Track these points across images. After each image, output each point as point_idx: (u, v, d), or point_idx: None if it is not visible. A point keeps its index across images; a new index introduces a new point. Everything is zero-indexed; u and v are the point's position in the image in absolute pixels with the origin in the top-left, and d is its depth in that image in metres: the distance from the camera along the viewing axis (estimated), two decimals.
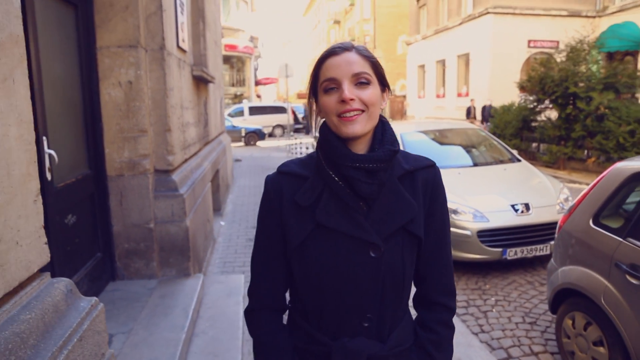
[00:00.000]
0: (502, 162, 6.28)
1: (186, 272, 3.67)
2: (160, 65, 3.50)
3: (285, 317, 1.29)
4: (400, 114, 31.83)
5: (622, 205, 2.85)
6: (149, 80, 3.47)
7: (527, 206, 4.91)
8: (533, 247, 4.78)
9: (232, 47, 28.06)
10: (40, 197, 1.44)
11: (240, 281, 4.11)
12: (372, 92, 1.11)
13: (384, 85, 1.18)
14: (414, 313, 1.32)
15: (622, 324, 2.60)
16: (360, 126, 1.10)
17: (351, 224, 1.12)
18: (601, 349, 2.81)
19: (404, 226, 1.16)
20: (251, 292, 1.26)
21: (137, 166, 3.41)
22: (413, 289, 1.30)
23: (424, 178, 1.22)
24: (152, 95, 3.50)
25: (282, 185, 1.18)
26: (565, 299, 3.17)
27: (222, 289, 3.90)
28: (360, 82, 1.10)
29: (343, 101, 1.08)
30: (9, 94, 1.28)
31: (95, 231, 3.32)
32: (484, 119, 18.11)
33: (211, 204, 5.38)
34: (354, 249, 1.12)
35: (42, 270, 1.47)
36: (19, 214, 1.31)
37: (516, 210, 4.87)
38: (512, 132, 13.85)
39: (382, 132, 1.18)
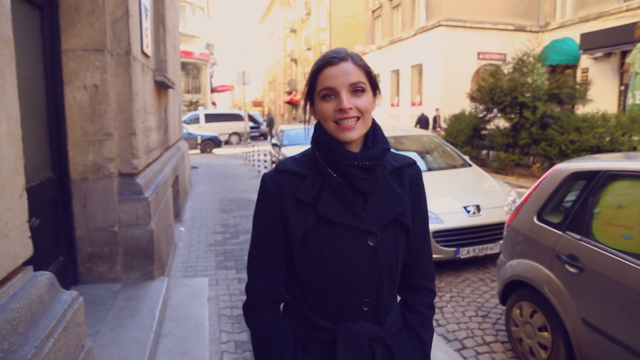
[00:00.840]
0: (454, 167, 6.60)
1: (150, 275, 3.69)
2: (126, 69, 3.53)
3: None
4: (419, 125, 32.31)
5: (562, 202, 3.12)
6: (115, 84, 3.50)
7: (478, 208, 5.20)
8: (484, 246, 5.07)
9: (187, 54, 27.77)
10: (25, 192, 1.49)
11: (204, 284, 4.15)
12: (366, 99, 1.21)
13: (375, 90, 1.28)
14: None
15: (563, 310, 2.85)
16: (358, 132, 1.21)
17: (350, 215, 1.22)
18: (545, 334, 3.06)
19: (396, 217, 1.27)
20: (250, 287, 1.32)
21: (101, 169, 3.42)
22: None
23: (409, 174, 1.34)
24: (118, 99, 3.52)
25: (282, 183, 1.26)
26: (513, 291, 3.41)
27: (186, 292, 3.93)
28: (356, 90, 1.19)
29: (341, 110, 1.17)
30: (3, 90, 1.34)
31: (57, 235, 3.29)
32: (435, 127, 18.86)
33: (172, 209, 5.39)
34: (354, 238, 1.22)
35: (25, 264, 1.52)
36: (7, 208, 1.37)
37: (468, 212, 5.15)
38: (464, 140, 14.43)
39: (374, 132, 1.28)
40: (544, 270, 3.04)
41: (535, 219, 3.23)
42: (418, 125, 19.04)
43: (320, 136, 1.25)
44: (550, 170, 3.29)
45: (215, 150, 21.22)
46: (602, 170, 2.83)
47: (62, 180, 3.32)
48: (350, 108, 1.17)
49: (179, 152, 7.41)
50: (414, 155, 6.99)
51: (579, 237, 2.81)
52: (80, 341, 1.64)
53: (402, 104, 24.92)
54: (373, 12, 27.31)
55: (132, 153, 3.63)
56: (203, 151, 20.61)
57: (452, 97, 19.53)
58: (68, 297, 1.63)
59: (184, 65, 28.17)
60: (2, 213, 1.34)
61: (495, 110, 12.78)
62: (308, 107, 1.30)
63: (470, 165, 6.64)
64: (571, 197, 3.03)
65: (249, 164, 15.69)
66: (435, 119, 19.17)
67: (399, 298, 1.43)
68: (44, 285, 1.53)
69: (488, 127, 13.91)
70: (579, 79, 18.00)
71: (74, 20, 3.29)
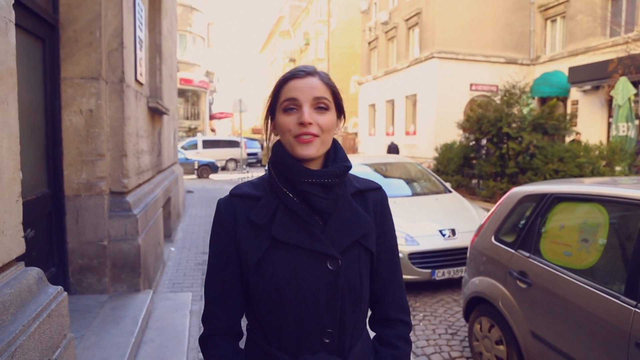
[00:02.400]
0: (435, 193, 6.88)
1: (136, 288, 3.92)
2: (119, 96, 3.85)
3: (242, 342, 1.30)
4: (352, 150, 32.80)
5: (515, 223, 3.38)
6: (109, 109, 3.80)
7: (453, 231, 5.45)
8: (459, 268, 5.30)
9: (187, 81, 28.40)
10: (20, 198, 1.76)
11: (188, 298, 4.37)
12: (329, 118, 1.16)
13: (340, 112, 1.24)
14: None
15: (515, 323, 3.08)
16: (315, 150, 1.14)
17: (308, 237, 1.15)
18: (501, 347, 3.27)
19: (359, 240, 1.20)
20: (206, 317, 1.24)
21: (93, 187, 3.69)
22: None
23: (374, 199, 1.28)
24: (111, 123, 3.82)
25: (236, 207, 1.20)
26: (475, 307, 3.64)
27: (170, 305, 4.15)
28: (319, 106, 1.15)
29: (301, 124, 1.12)
30: (4, 114, 1.62)
31: (50, 247, 3.54)
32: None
33: (162, 228, 5.63)
34: (312, 263, 1.14)
35: (18, 259, 1.78)
36: (5, 210, 1.64)
37: (444, 235, 5.41)
38: (454, 169, 14.76)
39: (334, 151, 1.24)
40: (499, 287, 3.28)
41: (493, 239, 3.49)
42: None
43: (277, 153, 1.19)
44: (506, 194, 3.57)
45: (212, 176, 21.51)
46: (548, 193, 3.11)
47: (56, 196, 3.59)
48: (311, 123, 1.13)
49: (172, 175, 7.69)
50: (398, 182, 7.29)
51: (528, 254, 3.07)
52: (63, 330, 1.88)
53: (397, 133, 25.36)
54: (369, 43, 28.06)
55: (123, 173, 3.91)
56: (200, 176, 20.90)
57: (445, 127, 19.93)
58: (54, 290, 1.88)
59: (183, 92, 28.79)
60: (1, 214, 1.61)
61: (484, 141, 13.15)
62: (269, 122, 1.25)
63: (450, 192, 6.92)
64: (524, 217, 3.29)
65: None
66: (391, 151, 19.47)
67: (372, 333, 1.35)
68: (33, 278, 1.78)
69: (478, 156, 14.26)
70: (569, 110, 18.49)
71: (72, 50, 3.62)
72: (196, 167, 20.79)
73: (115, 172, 3.88)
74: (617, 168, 10.47)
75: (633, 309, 2.26)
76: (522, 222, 3.28)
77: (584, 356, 2.51)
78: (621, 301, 2.33)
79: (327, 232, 1.17)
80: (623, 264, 2.46)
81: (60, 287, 1.92)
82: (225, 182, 19.14)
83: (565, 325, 2.70)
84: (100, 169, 3.70)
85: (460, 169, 14.77)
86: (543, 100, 19.68)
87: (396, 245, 1.34)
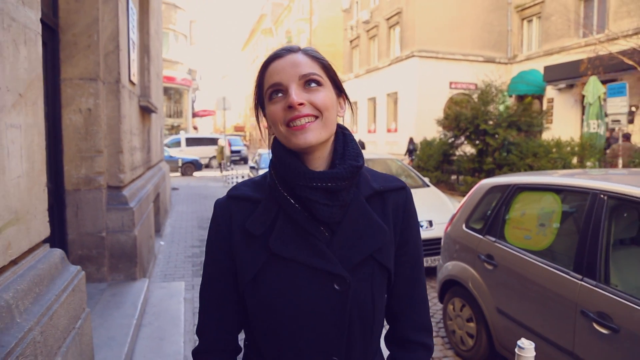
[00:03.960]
0: (414, 187, 7.22)
1: (133, 277, 4.16)
2: (115, 96, 4.08)
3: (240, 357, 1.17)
4: None
5: (484, 211, 3.71)
6: (106, 108, 4.03)
7: (430, 223, 5.79)
8: (436, 257, 5.64)
9: (170, 79, 28.35)
10: (46, 188, 2.02)
11: (181, 287, 4.63)
12: (325, 94, 0.98)
13: (339, 90, 1.06)
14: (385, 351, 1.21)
15: (483, 301, 3.42)
16: (314, 135, 0.96)
17: (311, 252, 0.99)
18: (471, 324, 3.61)
19: (373, 255, 1.02)
20: (200, 331, 1.11)
21: (92, 182, 3.92)
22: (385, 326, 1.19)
23: (395, 201, 1.08)
24: (108, 121, 4.05)
25: (232, 211, 1.05)
26: (448, 289, 3.97)
27: (164, 292, 4.41)
28: (309, 82, 0.98)
29: (290, 107, 0.95)
30: (34, 115, 1.88)
31: (52, 238, 3.75)
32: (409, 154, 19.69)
33: (153, 222, 5.86)
34: (316, 282, 0.98)
35: (44, 241, 2.03)
36: (36, 197, 1.89)
37: (422, 226, 5.74)
38: (434, 165, 15.18)
39: (344, 145, 1.05)
40: (470, 269, 3.62)
41: (463, 227, 3.82)
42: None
43: (274, 150, 1.04)
44: (476, 186, 3.91)
45: (196, 173, 21.63)
46: (511, 184, 3.45)
47: (57, 190, 3.81)
48: (302, 104, 0.95)
49: (160, 172, 7.89)
50: None
51: (494, 239, 3.41)
52: (82, 303, 2.14)
53: (378, 130, 25.77)
54: (351, 41, 28.41)
55: (119, 168, 4.14)
56: (184, 174, 21.01)
57: (426, 124, 20.34)
58: (74, 269, 2.13)
59: (166, 90, 28.74)
60: (33, 201, 1.86)
61: (462, 137, 13.59)
62: (261, 117, 1.09)
63: (428, 186, 7.28)
64: (490, 205, 3.63)
65: (227, 186, 16.15)
66: (410, 149, 19.85)
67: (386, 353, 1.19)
68: (58, 257, 2.04)
69: (456, 152, 14.70)
70: (545, 108, 19.07)
71: (72, 53, 3.84)
72: (180, 164, 20.89)
73: (112, 168, 4.11)
74: (588, 163, 10.98)
75: (579, 282, 2.60)
76: (489, 210, 3.61)
77: (541, 326, 2.85)
78: (570, 276, 2.67)
79: (335, 245, 1.00)
80: (572, 244, 2.80)
81: (79, 267, 2.18)
82: (209, 179, 19.30)
83: (525, 300, 3.04)
84: (99, 165, 3.93)
85: (440, 165, 15.20)
86: (520, 98, 20.24)
87: (420, 256, 1.13)
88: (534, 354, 1.91)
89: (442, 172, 15.10)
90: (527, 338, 2.93)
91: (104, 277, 4.03)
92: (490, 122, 12.29)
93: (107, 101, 4.05)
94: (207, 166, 25.32)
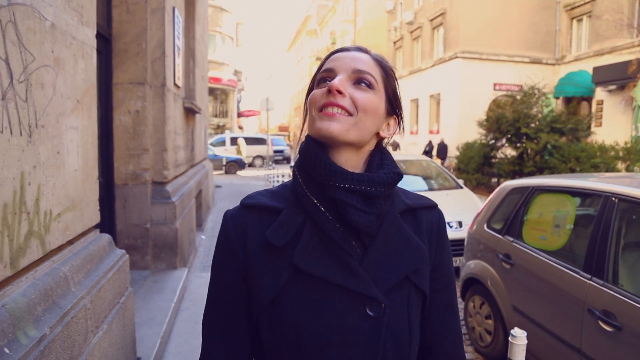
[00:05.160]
0: (448, 188, 7.31)
1: (174, 266, 4.52)
2: (161, 98, 4.44)
3: None
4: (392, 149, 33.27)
5: (504, 212, 3.82)
6: (152, 110, 4.40)
7: (460, 223, 5.89)
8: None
9: (216, 80, 29.23)
10: (97, 180, 2.33)
11: None
12: (371, 97, 0.89)
13: (392, 107, 0.96)
14: None
15: (500, 299, 3.54)
16: (340, 127, 0.85)
17: (341, 270, 0.86)
18: (489, 321, 3.73)
19: (409, 276, 0.91)
20: None
21: (139, 177, 4.29)
22: None
23: (428, 220, 0.99)
24: (154, 122, 4.42)
25: (247, 223, 0.92)
26: (469, 287, 4.10)
27: (202, 282, 4.74)
28: (360, 81, 0.89)
29: (329, 92, 0.86)
30: (89, 118, 2.19)
31: (103, 229, 4.15)
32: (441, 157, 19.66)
33: (194, 217, 6.24)
34: (346, 306, 0.85)
35: (95, 227, 2.35)
36: (90, 188, 2.21)
37: (451, 227, 5.85)
38: (474, 167, 15.06)
39: (381, 155, 0.95)
40: (489, 268, 3.74)
41: (485, 227, 3.94)
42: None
43: (303, 150, 0.92)
44: (498, 188, 4.01)
45: (239, 172, 22.25)
46: (530, 186, 3.55)
47: (108, 184, 4.20)
48: (341, 92, 0.86)
49: (203, 170, 8.32)
50: (416, 178, 7.74)
51: (512, 239, 3.52)
52: (125, 283, 2.46)
53: (420, 131, 25.65)
54: (395, 43, 28.37)
55: (164, 165, 4.51)
56: (227, 172, 21.66)
57: (469, 126, 20.12)
58: (119, 252, 2.45)
59: (212, 91, 29.66)
60: (87, 192, 2.18)
61: (503, 140, 13.43)
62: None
63: (461, 188, 7.35)
64: (510, 208, 3.74)
65: (269, 184, 16.59)
66: (440, 149, 19.81)
67: None
68: (106, 241, 2.36)
69: (497, 155, 14.53)
70: (594, 110, 18.50)
71: (123, 60, 4.22)
72: (224, 163, 21.55)
73: (157, 165, 4.48)
74: (635, 168, 10.65)
75: (588, 281, 2.71)
76: (509, 211, 3.72)
77: (551, 323, 2.97)
78: (580, 275, 2.78)
79: (368, 263, 0.87)
80: (584, 245, 2.90)
81: (123, 251, 2.50)
82: (252, 178, 19.83)
83: (538, 298, 3.15)
84: (145, 162, 4.30)
85: (481, 168, 15.06)
86: (568, 100, 19.71)
87: (453, 282, 1.03)
88: (526, 342, 2.08)
89: (483, 174, 14.96)
90: (539, 335, 3.06)
91: (147, 265, 4.40)
92: (532, 126, 12.12)
93: (153, 103, 4.42)
94: (251, 165, 25.95)
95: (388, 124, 0.96)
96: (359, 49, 0.95)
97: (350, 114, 0.87)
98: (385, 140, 0.98)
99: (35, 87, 1.58)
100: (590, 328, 2.63)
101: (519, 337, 2.06)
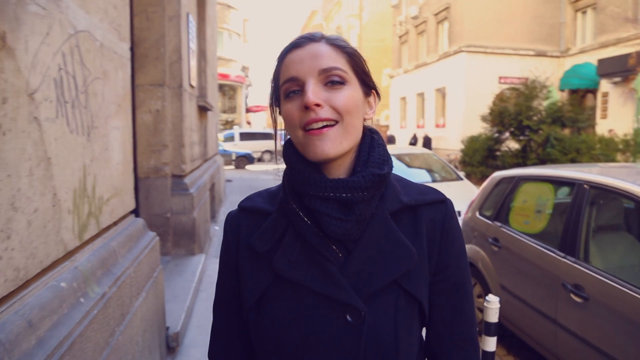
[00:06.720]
0: (449, 180, 7.66)
1: (192, 252, 4.92)
2: (178, 98, 4.82)
3: None
4: (388, 143, 33.53)
5: (494, 200, 4.17)
6: (170, 109, 4.79)
7: (459, 213, 6.23)
8: None
9: (224, 76, 29.63)
10: (133, 172, 2.72)
11: None
12: (348, 94, 0.84)
13: (368, 87, 0.91)
14: None
15: (489, 279, 3.90)
16: (333, 145, 0.82)
17: (320, 276, 0.85)
18: (481, 300, 4.09)
19: (397, 281, 0.87)
20: (211, 356, 1.02)
21: (159, 171, 4.68)
22: None
23: (431, 218, 0.92)
24: (172, 120, 4.81)
25: (241, 225, 0.94)
26: None
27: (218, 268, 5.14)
28: (331, 81, 0.83)
29: (306, 107, 0.81)
30: (126, 119, 2.58)
31: None
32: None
33: (209, 208, 6.64)
34: (325, 312, 0.84)
35: (131, 212, 2.74)
36: (128, 179, 2.59)
37: None
38: (479, 160, 15.34)
39: (369, 150, 0.90)
40: (480, 251, 4.10)
41: (477, 214, 4.30)
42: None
43: (286, 154, 0.91)
44: (489, 178, 4.36)
45: (248, 167, 22.67)
46: (516, 175, 3.90)
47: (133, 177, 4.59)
48: (319, 105, 0.81)
49: (215, 164, 8.72)
50: (420, 171, 8.08)
51: (500, 224, 3.87)
52: (157, 260, 2.85)
53: (427, 125, 25.90)
54: (400, 37, 28.58)
55: (182, 160, 4.90)
56: (237, 167, 22.09)
57: (474, 120, 20.31)
58: (152, 234, 2.84)
59: (220, 87, 30.05)
60: (126, 182, 2.56)
61: (507, 133, 13.71)
62: (277, 114, 0.94)
63: (462, 179, 7.69)
64: (499, 196, 4.09)
65: (278, 179, 16.99)
66: (425, 142, 20.24)
67: None
68: (141, 224, 2.75)
69: (502, 148, 14.80)
70: (599, 102, 18.67)
71: (143, 64, 4.60)
72: (234, 158, 21.96)
73: (175, 159, 4.87)
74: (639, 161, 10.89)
75: (562, 259, 3.06)
76: (498, 199, 4.07)
77: (531, 297, 3.32)
78: (555, 254, 3.13)
79: (350, 268, 0.86)
80: (560, 227, 3.24)
81: (154, 233, 2.89)
82: (261, 172, 20.25)
83: (521, 276, 3.50)
84: (165, 157, 4.69)
85: (485, 160, 15.34)
86: (574, 93, 19.87)
87: (466, 284, 0.96)
88: (498, 306, 2.45)
89: (487, 167, 15.23)
90: (522, 310, 3.43)
91: (168, 251, 4.80)
92: (535, 118, 12.37)
93: (171, 103, 4.80)
94: (260, 160, 26.37)
95: (369, 103, 0.93)
96: (312, 39, 0.87)
97: (336, 122, 0.83)
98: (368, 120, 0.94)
99: (91, 95, 1.96)
100: (564, 300, 2.99)
101: (492, 302, 2.43)
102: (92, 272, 1.82)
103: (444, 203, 0.94)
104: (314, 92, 0.81)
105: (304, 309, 0.85)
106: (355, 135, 0.87)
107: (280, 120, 0.93)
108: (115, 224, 2.33)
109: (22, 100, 1.34)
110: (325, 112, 0.81)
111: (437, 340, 0.94)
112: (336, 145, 0.82)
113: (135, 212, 2.76)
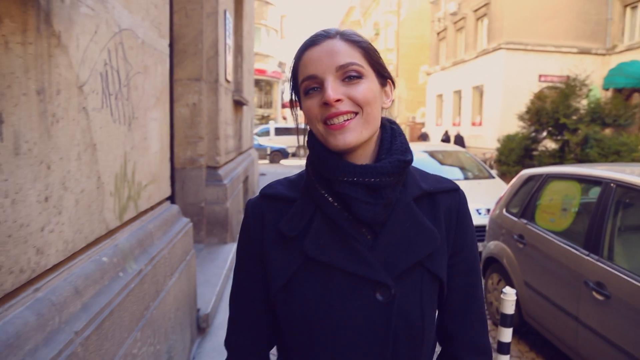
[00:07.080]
0: (481, 178, 7.62)
1: (224, 241, 5.11)
2: (214, 93, 5.02)
3: None
4: (421, 140, 33.25)
5: (521, 197, 4.18)
6: (207, 103, 4.99)
7: (488, 210, 6.22)
8: None
9: (261, 72, 30.01)
10: (169, 161, 2.90)
11: None
12: (366, 87, 0.89)
13: (383, 77, 0.95)
14: None
15: (514, 276, 3.92)
16: (354, 135, 0.88)
17: (351, 257, 0.89)
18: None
19: (422, 262, 0.92)
20: (228, 345, 1.04)
21: (195, 162, 4.89)
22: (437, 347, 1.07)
23: (447, 204, 0.99)
24: (208, 113, 5.01)
25: (265, 211, 0.98)
26: (489, 266, 4.48)
27: None
28: (348, 76, 0.88)
29: (327, 104, 0.86)
30: (164, 111, 2.75)
31: None
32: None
33: (242, 200, 6.85)
34: (355, 291, 0.89)
35: (167, 199, 2.92)
36: (165, 167, 2.77)
37: (479, 213, 6.20)
38: (515, 160, 15.06)
39: (391, 139, 0.96)
40: (505, 248, 4.12)
41: (504, 211, 4.31)
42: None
43: (310, 146, 0.97)
44: (518, 175, 4.37)
45: (283, 161, 22.97)
46: (544, 173, 3.90)
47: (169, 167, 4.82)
48: (339, 100, 0.86)
49: (249, 158, 8.94)
50: (452, 168, 8.07)
51: (526, 221, 3.89)
52: (190, 244, 3.03)
53: (463, 123, 25.56)
54: (438, 34, 28.25)
55: (216, 152, 5.09)
56: (272, 161, 22.41)
57: (512, 118, 19.92)
58: (185, 220, 3.02)
59: (257, 82, 30.49)
60: (162, 170, 2.74)
61: (544, 132, 13.42)
62: (297, 110, 1.01)
63: (493, 177, 7.65)
64: (526, 193, 4.09)
65: None
66: (457, 140, 19.93)
67: None
68: (175, 210, 2.93)
69: (539, 147, 14.50)
70: None
71: (182, 59, 4.81)
72: (268, 152, 22.31)
73: (210, 151, 5.07)
74: None
75: (585, 257, 3.07)
76: (525, 197, 4.08)
77: (554, 294, 3.34)
78: (579, 252, 3.14)
79: (378, 249, 0.90)
80: (585, 226, 3.25)
81: (188, 219, 3.07)
82: (295, 166, 20.48)
83: (545, 273, 3.52)
84: (200, 148, 4.89)
85: (521, 160, 15.05)
86: (619, 92, 19.21)
87: (477, 267, 1.04)
88: (515, 298, 2.51)
89: (524, 166, 14.92)
90: (544, 306, 3.45)
91: (202, 239, 5.01)
92: (573, 117, 12.06)
93: (207, 97, 5.00)
94: (294, 155, 26.63)
95: (385, 92, 0.97)
96: (327, 36, 0.91)
97: (356, 113, 0.88)
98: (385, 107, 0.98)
99: (132, 89, 2.14)
100: (585, 298, 3.00)
101: (509, 294, 2.50)
102: (131, 251, 2.00)
103: (458, 192, 1.02)
104: (333, 88, 0.86)
105: (334, 288, 0.89)
106: (375, 125, 0.91)
107: (300, 113, 1.01)
108: (152, 208, 2.51)
109: (73, 92, 1.51)
110: (345, 106, 0.86)
111: (452, 318, 1.01)
112: (357, 134, 0.87)
113: (171, 199, 2.94)
